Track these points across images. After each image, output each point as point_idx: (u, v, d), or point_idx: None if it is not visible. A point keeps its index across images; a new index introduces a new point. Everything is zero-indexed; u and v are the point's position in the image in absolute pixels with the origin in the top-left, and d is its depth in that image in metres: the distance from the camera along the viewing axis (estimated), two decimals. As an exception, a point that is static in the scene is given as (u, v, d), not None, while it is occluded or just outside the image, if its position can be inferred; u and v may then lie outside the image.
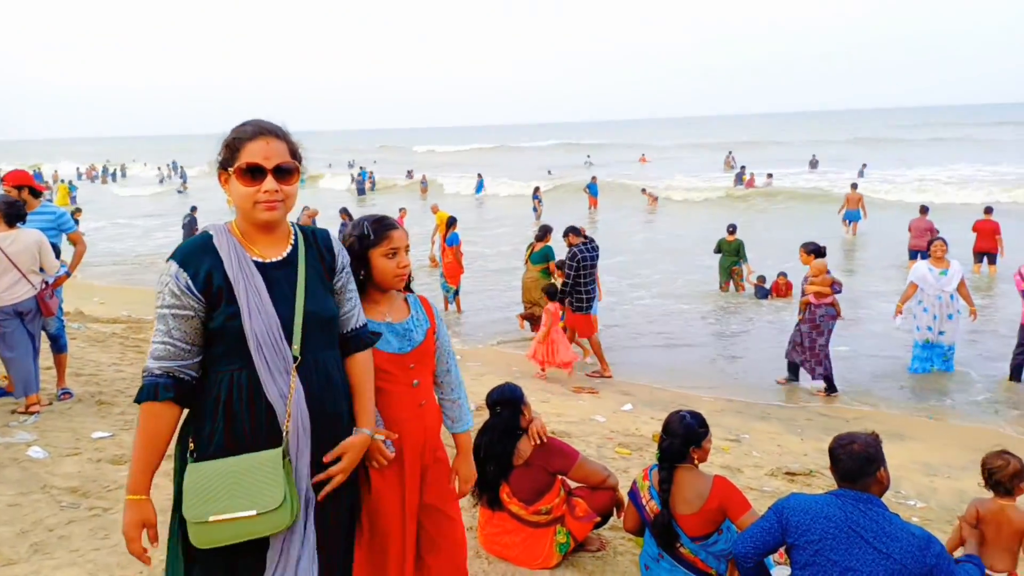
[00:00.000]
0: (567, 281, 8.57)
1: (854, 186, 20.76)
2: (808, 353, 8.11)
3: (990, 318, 10.55)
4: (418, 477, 2.61)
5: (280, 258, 2.12)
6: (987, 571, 3.18)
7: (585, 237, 8.97)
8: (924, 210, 15.33)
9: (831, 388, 8.13)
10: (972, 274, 13.70)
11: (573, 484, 3.81)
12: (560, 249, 9.99)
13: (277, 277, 2.08)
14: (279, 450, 1.98)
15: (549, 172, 41.35)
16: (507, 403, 3.70)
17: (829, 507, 2.83)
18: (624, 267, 15.73)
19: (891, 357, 9.31)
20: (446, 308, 11.98)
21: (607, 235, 18.88)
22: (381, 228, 2.56)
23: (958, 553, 3.45)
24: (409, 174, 41.42)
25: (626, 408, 7.18)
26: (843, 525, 2.76)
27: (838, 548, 2.73)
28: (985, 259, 14.24)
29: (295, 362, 2.03)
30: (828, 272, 8.06)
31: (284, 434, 2.00)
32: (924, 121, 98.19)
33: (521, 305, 10.53)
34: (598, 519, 3.71)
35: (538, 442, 3.62)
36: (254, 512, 1.92)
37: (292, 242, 2.17)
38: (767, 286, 13.07)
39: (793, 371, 8.52)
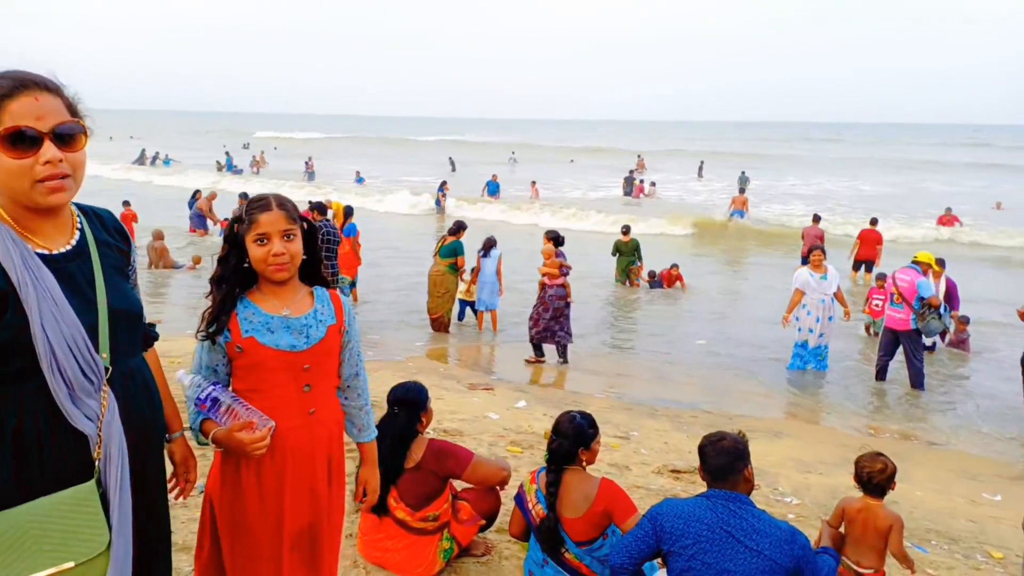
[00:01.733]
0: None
1: (741, 191, 22.25)
2: (539, 322, 8.88)
3: (863, 321, 11.17)
4: (305, 496, 2.30)
5: (69, 247, 1.72)
6: (855, 567, 3.26)
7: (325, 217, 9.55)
8: (816, 219, 16.11)
9: (561, 357, 9.14)
10: (849, 281, 14.56)
11: (459, 486, 3.65)
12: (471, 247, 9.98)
13: (71, 271, 1.70)
14: (91, 484, 1.64)
15: (453, 168, 40.97)
16: (406, 404, 3.46)
17: (701, 510, 2.81)
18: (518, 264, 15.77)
19: (774, 359, 9.70)
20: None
21: (507, 235, 18.88)
22: (250, 210, 2.23)
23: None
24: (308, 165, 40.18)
25: (520, 405, 7.10)
26: (715, 527, 2.74)
27: (712, 550, 2.71)
28: (863, 267, 15.14)
29: (107, 374, 1.70)
30: (558, 256, 8.86)
31: (96, 463, 1.66)
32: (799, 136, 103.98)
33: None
34: (483, 522, 3.57)
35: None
36: (71, 564, 1.58)
37: (79, 226, 1.77)
38: (658, 278, 13.80)
39: (538, 349, 9.16)
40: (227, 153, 40.53)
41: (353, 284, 11.59)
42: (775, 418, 7.75)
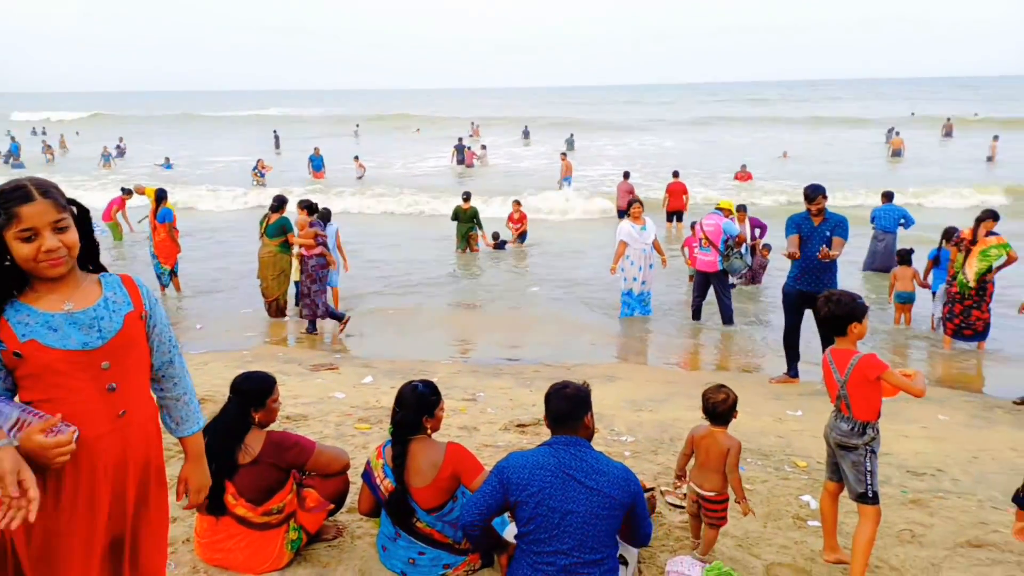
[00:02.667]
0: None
1: (563, 155, 22.78)
2: (306, 299, 8.86)
3: (681, 268, 11.97)
4: (119, 507, 2.08)
5: None
6: (699, 490, 3.51)
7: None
8: (626, 175, 17.02)
9: (313, 327, 9.01)
10: (664, 231, 15.55)
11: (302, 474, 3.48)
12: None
13: None
14: None
15: (276, 145, 38.80)
16: (243, 393, 3.24)
17: (544, 457, 2.88)
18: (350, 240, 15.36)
19: (604, 309, 10.16)
20: (162, 293, 10.67)
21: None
22: (5, 203, 1.91)
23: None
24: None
25: (367, 380, 6.93)
26: (558, 472, 2.82)
27: (556, 495, 2.79)
28: (675, 217, 16.22)
29: None
30: (313, 225, 8.81)
31: None
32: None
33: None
34: (331, 507, 3.44)
35: None
36: None
37: None
38: (504, 240, 14.36)
39: (313, 324, 9.07)
40: (12, 139, 35.28)
41: (173, 272, 10.70)
42: (609, 363, 8.14)
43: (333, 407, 5.89)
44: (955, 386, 7.24)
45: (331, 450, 3.47)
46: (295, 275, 10.06)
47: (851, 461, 3.24)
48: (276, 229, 9.37)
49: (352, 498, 3.68)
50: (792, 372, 7.16)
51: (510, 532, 3.25)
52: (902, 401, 6.35)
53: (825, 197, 6.69)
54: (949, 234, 8.69)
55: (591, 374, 7.43)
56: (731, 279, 9.51)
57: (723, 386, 3.58)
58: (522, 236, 14.87)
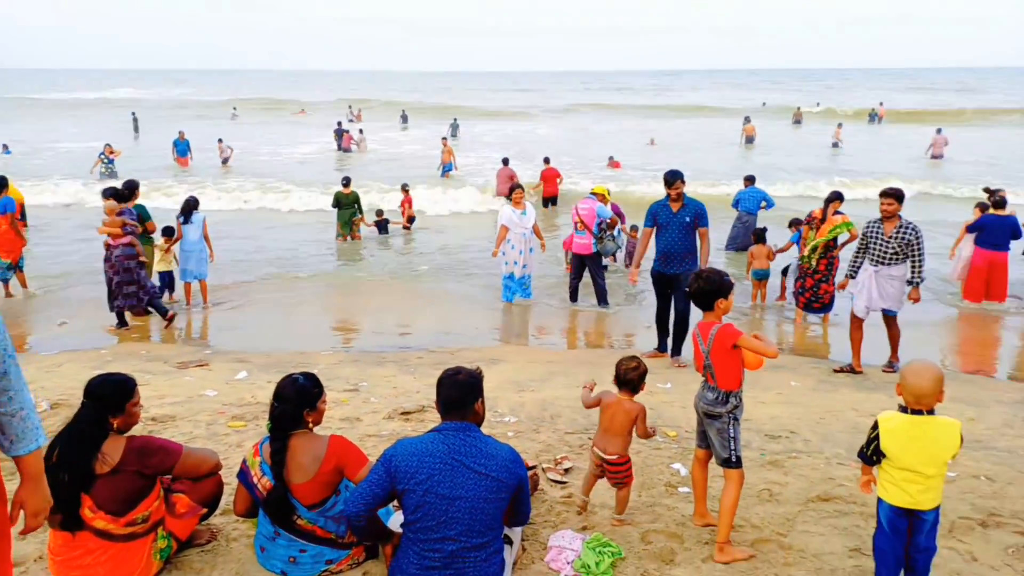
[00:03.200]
0: None
1: (444, 140, 22.71)
2: (117, 290, 8.30)
3: (557, 253, 12.24)
4: None
5: None
6: (602, 454, 3.67)
7: None
8: (506, 161, 17.09)
9: (122, 323, 8.42)
10: (542, 215, 15.81)
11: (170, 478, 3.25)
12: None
13: None
14: None
15: (136, 129, 35.93)
16: (99, 398, 2.96)
17: (433, 444, 2.85)
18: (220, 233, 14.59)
19: (487, 293, 10.21)
20: (6, 291, 9.65)
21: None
22: None
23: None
24: None
25: (241, 376, 6.60)
26: (447, 458, 2.80)
27: (445, 482, 2.77)
28: (551, 203, 16.52)
29: None
30: (123, 213, 8.26)
31: None
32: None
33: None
34: (204, 511, 3.25)
35: None
36: None
37: None
38: (387, 218, 14.28)
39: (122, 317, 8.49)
40: None
41: (18, 268, 9.71)
42: (492, 346, 8.20)
43: (204, 406, 5.57)
44: (805, 354, 7.85)
45: (200, 451, 3.27)
46: (159, 265, 9.42)
47: (716, 428, 3.43)
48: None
49: (227, 499, 3.49)
50: (662, 347, 7.50)
51: (395, 521, 3.20)
52: (761, 370, 6.86)
53: (683, 182, 6.97)
54: (797, 223, 9.40)
55: (475, 358, 7.45)
56: (604, 260, 9.81)
57: (635, 357, 3.78)
58: (410, 220, 14.73)
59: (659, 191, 18.68)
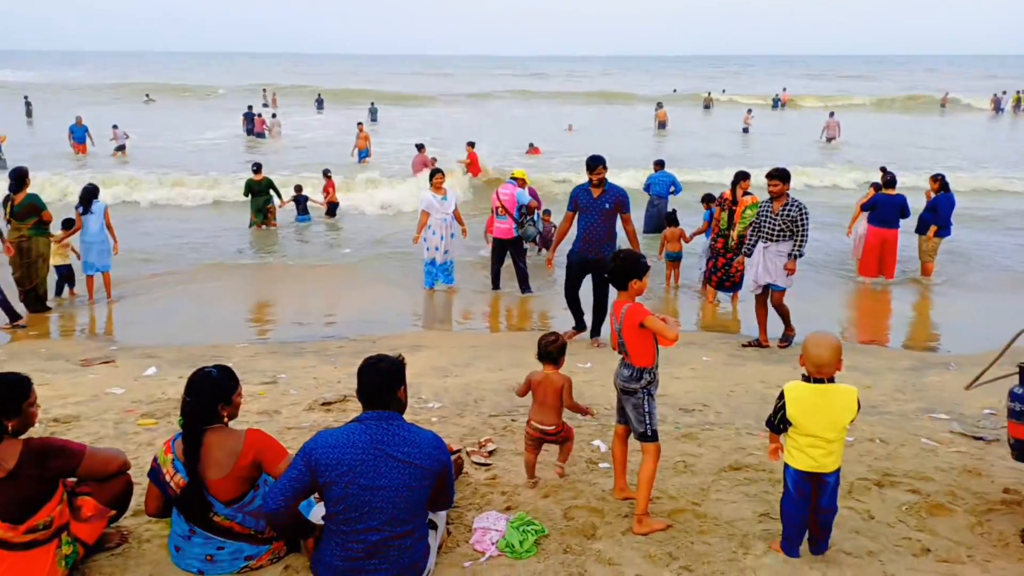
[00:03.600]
0: None
1: (360, 125, 22.33)
2: None
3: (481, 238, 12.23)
4: None
5: None
6: (540, 426, 3.84)
7: None
8: (421, 147, 16.85)
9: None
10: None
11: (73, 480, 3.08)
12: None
13: None
14: None
15: (28, 115, 33.50)
16: None
17: (355, 435, 2.81)
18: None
19: (409, 279, 10.10)
20: None
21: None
22: None
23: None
24: None
25: (150, 372, 6.30)
26: (370, 448, 2.76)
27: (367, 472, 2.73)
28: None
29: None
30: None
31: None
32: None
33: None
34: (112, 513, 3.09)
35: None
36: None
37: None
38: (305, 194, 13.95)
39: None
40: None
41: None
42: (415, 332, 8.13)
43: (110, 404, 5.29)
44: (716, 331, 8.15)
45: (105, 451, 3.10)
46: (55, 259, 8.86)
47: (632, 404, 3.51)
48: (26, 209, 8.14)
49: (138, 500, 3.34)
50: (579, 326, 7.61)
51: (316, 514, 3.14)
52: (675, 347, 7.07)
53: (605, 168, 6.99)
54: (710, 198, 9.69)
55: (398, 345, 7.37)
56: (525, 244, 9.86)
57: (554, 332, 3.97)
58: (332, 207, 14.26)
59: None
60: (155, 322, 8.33)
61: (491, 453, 4.39)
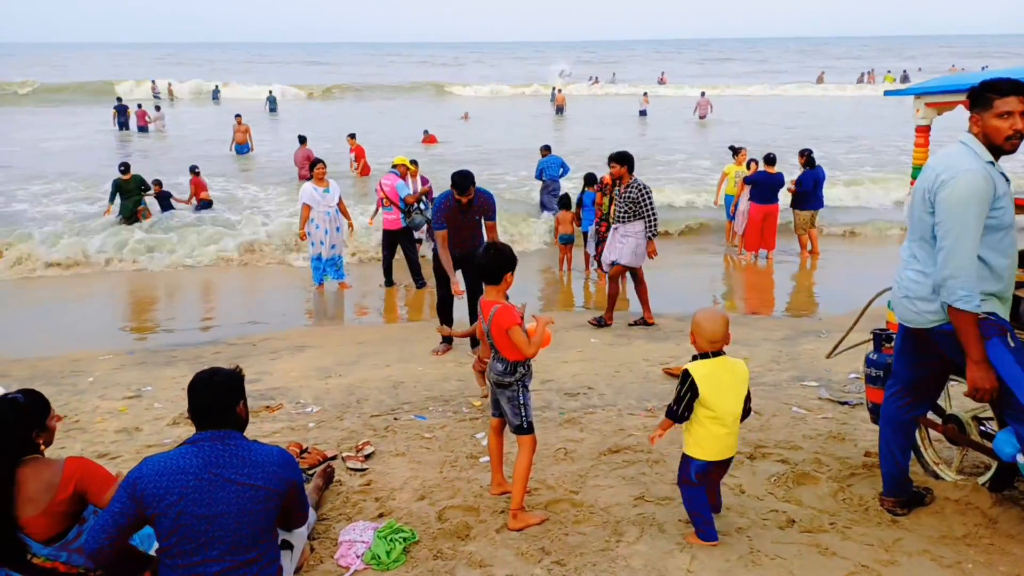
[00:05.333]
0: None
1: (239, 117, 21.02)
2: None
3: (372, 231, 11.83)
4: None
5: None
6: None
7: None
8: (303, 140, 16.00)
9: None
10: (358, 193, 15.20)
11: None
12: None
13: None
14: None
15: None
16: None
17: (186, 459, 2.51)
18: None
19: (296, 276, 9.62)
20: None
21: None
22: None
23: None
24: None
25: (-4, 394, 5.66)
26: (203, 473, 2.47)
27: (202, 500, 2.45)
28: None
29: None
30: None
31: None
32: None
33: None
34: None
35: None
36: None
37: None
38: (167, 190, 12.95)
39: None
40: None
41: None
42: (300, 331, 7.73)
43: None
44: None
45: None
46: None
47: (507, 397, 3.36)
48: None
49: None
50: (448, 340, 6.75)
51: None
52: (562, 330, 7.01)
53: (474, 185, 6.08)
54: (591, 179, 9.69)
55: (279, 347, 6.99)
56: (416, 234, 9.57)
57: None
58: (204, 205, 13.28)
59: (476, 166, 18.59)
60: (5, 334, 7.55)
61: (368, 457, 4.15)
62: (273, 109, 32.21)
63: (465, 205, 6.09)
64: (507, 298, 3.53)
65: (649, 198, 6.92)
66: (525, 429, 3.36)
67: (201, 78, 46.63)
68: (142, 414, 5.14)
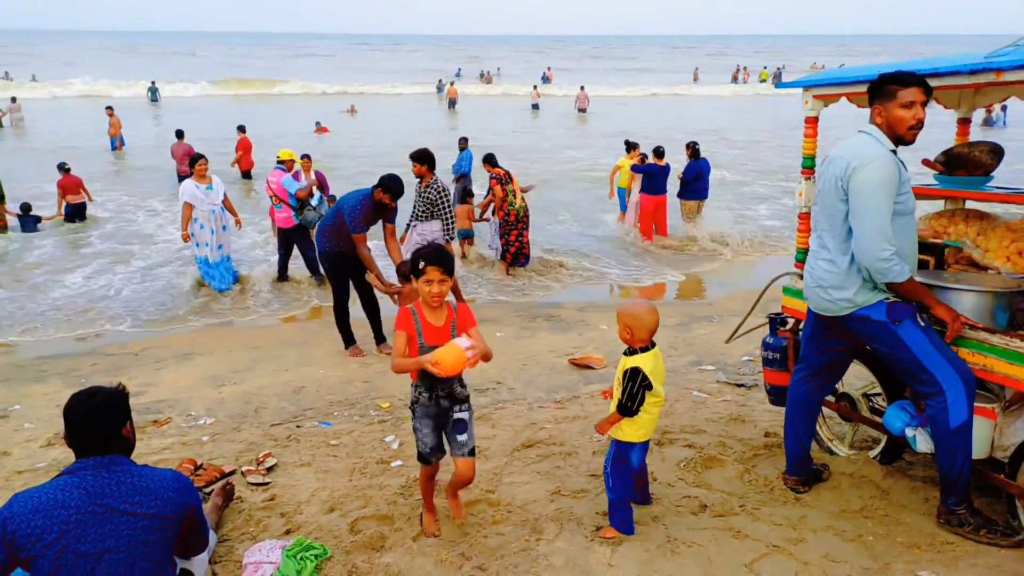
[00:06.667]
0: None
1: (110, 109, 19.79)
2: None
3: (258, 226, 11.21)
4: None
5: None
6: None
7: None
8: (180, 134, 14.92)
9: None
10: (243, 191, 14.40)
11: None
12: None
13: None
14: None
15: None
16: None
17: (65, 492, 2.20)
18: None
19: (180, 278, 8.97)
20: None
21: None
22: None
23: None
24: None
25: None
26: (87, 506, 2.18)
27: (87, 536, 2.15)
28: (246, 177, 15.16)
29: None
30: None
31: None
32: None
33: None
34: None
35: None
36: None
37: None
38: (35, 213, 11.51)
39: None
40: None
41: None
42: (187, 336, 7.21)
43: None
44: (507, 304, 8.12)
45: None
46: None
47: (470, 415, 3.07)
48: None
49: None
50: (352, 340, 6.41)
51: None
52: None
53: (401, 194, 5.87)
54: (492, 160, 9.59)
55: (164, 355, 6.48)
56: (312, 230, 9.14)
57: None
58: (75, 212, 12.03)
59: (364, 161, 18.02)
60: None
61: (270, 470, 3.88)
62: (155, 100, 30.09)
63: (386, 210, 5.90)
64: None
65: (447, 200, 6.72)
66: (473, 450, 3.09)
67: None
68: (10, 436, 4.60)
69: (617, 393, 2.94)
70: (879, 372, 3.32)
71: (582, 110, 31.44)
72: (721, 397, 4.75)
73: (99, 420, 2.30)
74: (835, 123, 9.09)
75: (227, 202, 8.55)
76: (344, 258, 6.01)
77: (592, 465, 3.70)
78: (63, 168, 12.01)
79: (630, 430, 2.95)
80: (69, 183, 11.87)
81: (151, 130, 23.95)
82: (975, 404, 2.75)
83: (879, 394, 3.41)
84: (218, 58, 67.72)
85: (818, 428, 3.69)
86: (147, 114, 28.68)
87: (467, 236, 9.82)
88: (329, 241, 6.00)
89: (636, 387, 2.86)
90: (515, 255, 9.13)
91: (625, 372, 2.90)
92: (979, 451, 2.87)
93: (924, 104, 2.80)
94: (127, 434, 2.41)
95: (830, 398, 3.54)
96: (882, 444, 3.41)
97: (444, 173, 12.11)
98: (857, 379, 3.63)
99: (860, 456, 3.46)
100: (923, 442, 2.95)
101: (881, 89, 2.84)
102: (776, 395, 3.65)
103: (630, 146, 11.53)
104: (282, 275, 8.89)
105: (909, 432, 3.00)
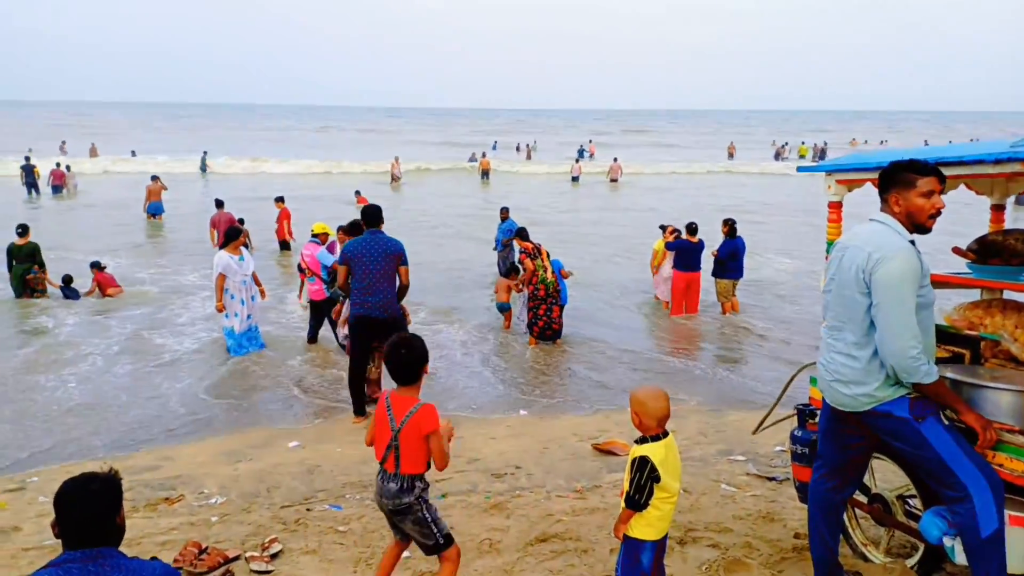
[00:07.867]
0: None
1: (156, 178, 20.48)
2: None
3: (285, 298, 11.43)
4: None
5: None
6: None
7: None
8: (220, 204, 15.46)
9: None
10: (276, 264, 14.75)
11: None
12: None
13: None
14: None
15: None
16: None
17: (49, 589, 2.17)
18: None
19: (211, 351, 9.10)
20: None
21: None
22: None
23: None
24: None
25: None
26: None
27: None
28: (284, 248, 15.56)
29: None
30: None
31: None
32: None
33: None
34: None
35: None
36: None
37: None
38: (75, 285, 11.62)
39: None
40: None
41: None
42: (205, 416, 7.21)
43: None
44: (538, 384, 8.00)
45: None
46: None
47: (411, 521, 3.01)
48: None
49: None
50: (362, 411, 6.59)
51: None
52: (495, 399, 6.83)
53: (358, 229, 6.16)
54: (522, 234, 9.68)
55: (177, 426, 6.51)
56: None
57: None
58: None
59: (402, 229, 18.32)
60: None
61: (274, 556, 3.82)
62: (203, 169, 31.54)
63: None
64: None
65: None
66: (443, 545, 3.03)
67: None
68: (24, 509, 4.63)
69: (625, 484, 2.84)
70: (912, 473, 3.15)
71: (614, 180, 32.18)
72: (751, 491, 4.56)
73: (96, 509, 2.26)
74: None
75: (255, 274, 8.77)
76: (370, 322, 6.13)
77: (609, 565, 3.55)
78: (97, 266, 11.82)
79: (638, 526, 2.82)
80: (103, 280, 11.71)
81: (194, 199, 24.89)
82: (1013, 513, 2.57)
83: (915, 495, 3.22)
84: (255, 132, 70.54)
85: (851, 530, 3.49)
86: (196, 185, 29.92)
87: (505, 309, 9.83)
88: (355, 303, 6.23)
89: (644, 478, 2.74)
90: (542, 329, 9.08)
91: (633, 461, 2.79)
92: (1017, 565, 2.66)
93: (941, 192, 2.75)
94: (120, 522, 2.38)
95: (862, 499, 3.36)
96: (920, 552, 3.19)
97: (486, 243, 12.26)
98: (895, 476, 3.44)
99: (897, 565, 3.24)
100: (961, 553, 2.75)
101: (896, 177, 2.79)
102: (806, 492, 3.47)
103: (665, 229, 11.52)
104: (312, 340, 9.03)
105: (947, 542, 2.81)
